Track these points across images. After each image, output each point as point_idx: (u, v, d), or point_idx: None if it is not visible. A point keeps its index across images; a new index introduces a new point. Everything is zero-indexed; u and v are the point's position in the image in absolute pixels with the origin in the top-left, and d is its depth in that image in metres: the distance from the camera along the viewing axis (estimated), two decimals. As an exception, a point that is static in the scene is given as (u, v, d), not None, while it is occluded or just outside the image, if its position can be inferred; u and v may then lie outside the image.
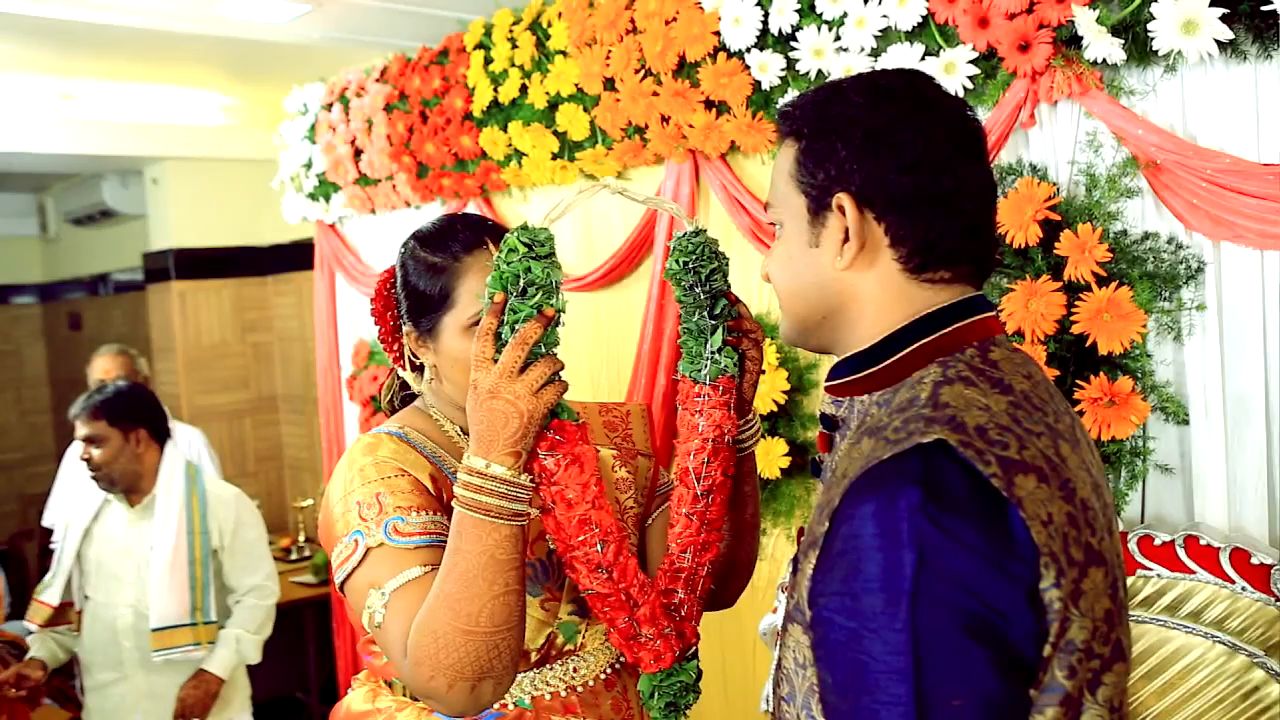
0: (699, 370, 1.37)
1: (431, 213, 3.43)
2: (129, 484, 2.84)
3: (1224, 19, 1.56)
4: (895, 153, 0.99)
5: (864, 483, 0.90)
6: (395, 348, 1.50)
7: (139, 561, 2.82)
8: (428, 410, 1.47)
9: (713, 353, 1.35)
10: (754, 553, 1.52)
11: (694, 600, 1.37)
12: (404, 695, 1.42)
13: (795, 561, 1.03)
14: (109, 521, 2.88)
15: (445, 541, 1.27)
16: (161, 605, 2.75)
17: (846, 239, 1.01)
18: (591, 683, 1.43)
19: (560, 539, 1.24)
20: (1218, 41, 1.58)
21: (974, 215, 1.03)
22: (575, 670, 1.42)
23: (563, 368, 1.21)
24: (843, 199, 1.01)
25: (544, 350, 1.20)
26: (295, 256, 5.10)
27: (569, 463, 1.21)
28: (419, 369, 1.49)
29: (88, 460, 2.79)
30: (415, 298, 1.41)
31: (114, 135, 4.97)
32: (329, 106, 3.65)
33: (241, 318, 5.50)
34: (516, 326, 1.18)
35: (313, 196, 3.88)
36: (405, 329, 1.45)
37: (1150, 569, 1.72)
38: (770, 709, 1.19)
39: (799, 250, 1.06)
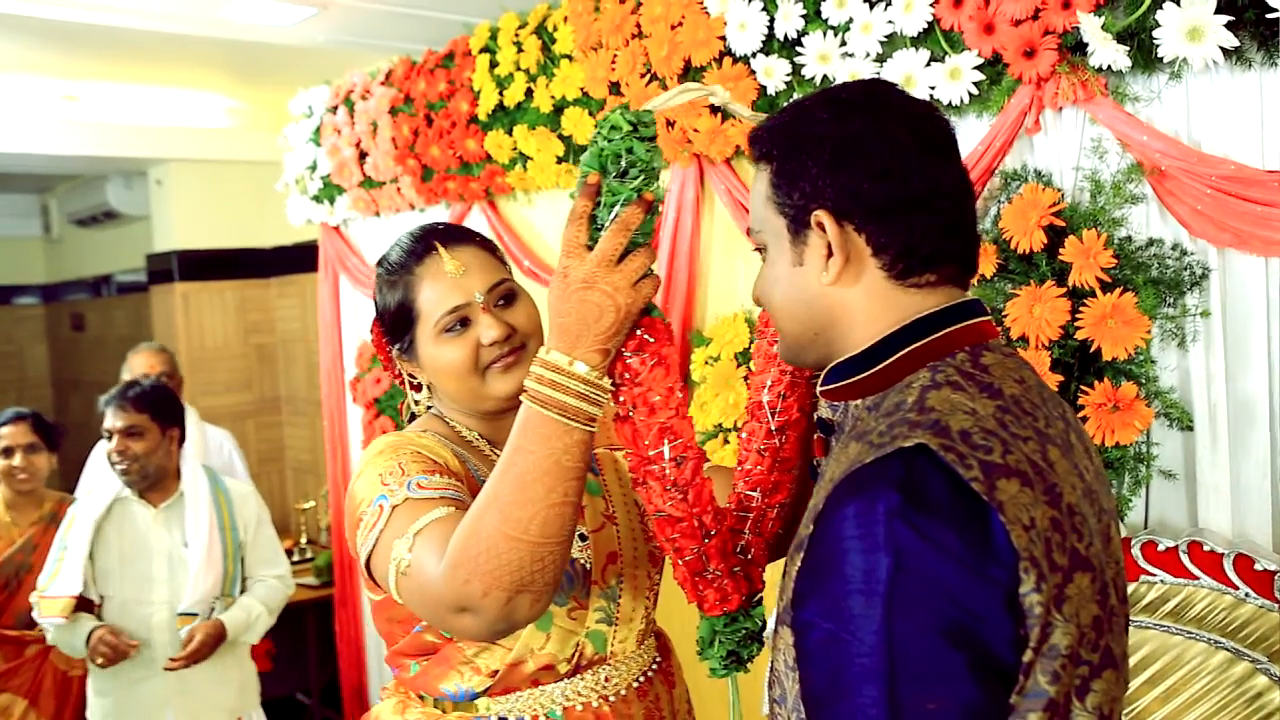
0: None
1: (436, 215, 3.43)
2: (156, 480, 2.87)
3: (1229, 26, 1.56)
4: (864, 163, 1.00)
5: (846, 486, 0.91)
6: (395, 372, 1.50)
7: (172, 560, 2.86)
8: (444, 418, 1.47)
9: None
10: None
11: (761, 544, 1.29)
12: (434, 707, 1.40)
13: (784, 567, 1.03)
14: (126, 521, 2.88)
15: (468, 499, 1.24)
16: (196, 595, 2.82)
17: (830, 254, 1.02)
18: (624, 691, 1.41)
19: (636, 450, 1.15)
20: (1223, 49, 1.58)
21: (951, 215, 1.03)
22: (607, 680, 1.40)
23: (655, 260, 1.13)
24: (821, 215, 1.01)
25: (641, 240, 1.10)
26: (298, 258, 5.11)
27: (655, 364, 1.12)
28: (419, 388, 1.48)
29: (123, 451, 2.80)
30: (388, 320, 1.42)
31: (118, 137, 4.98)
32: (334, 109, 3.66)
33: (244, 319, 5.51)
34: (614, 210, 1.08)
35: (317, 199, 3.89)
36: (394, 352, 1.46)
37: (1154, 575, 1.73)
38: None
39: (785, 270, 1.06)
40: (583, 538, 1.41)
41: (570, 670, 1.38)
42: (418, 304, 1.38)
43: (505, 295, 1.41)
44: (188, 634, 2.77)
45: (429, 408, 1.50)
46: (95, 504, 2.88)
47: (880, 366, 1.02)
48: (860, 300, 1.03)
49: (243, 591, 2.96)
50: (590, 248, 1.09)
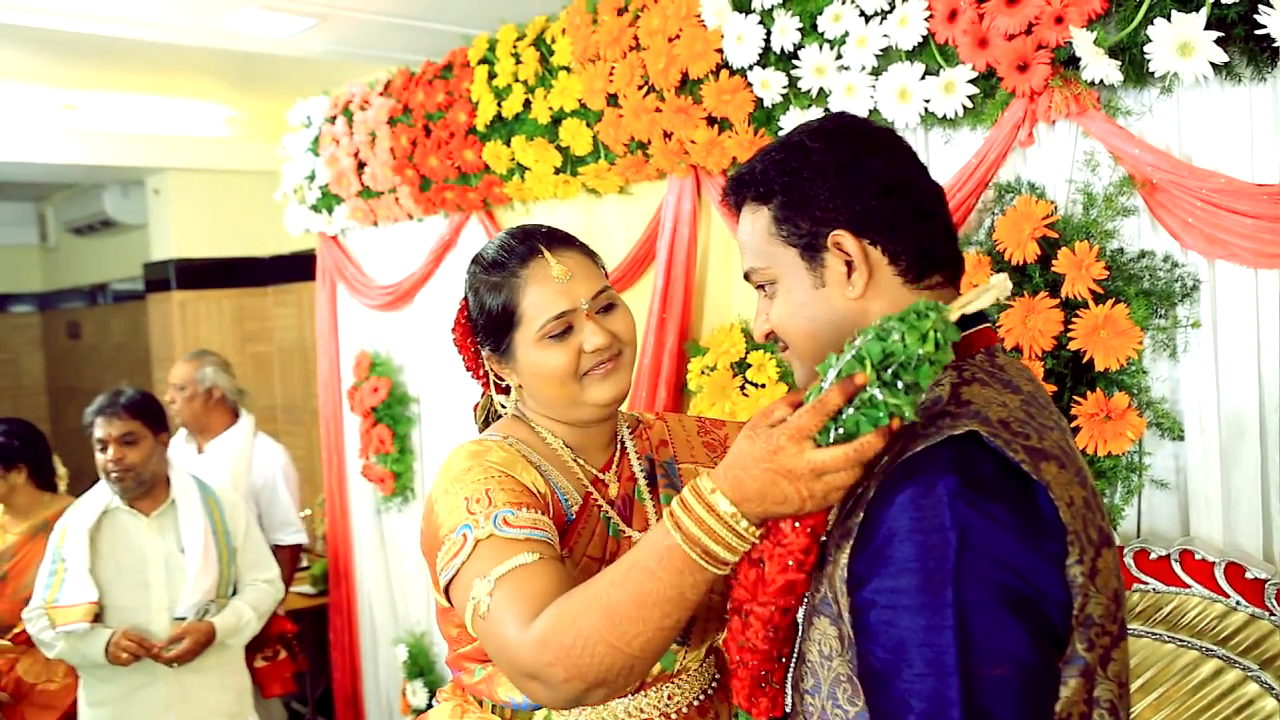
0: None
1: (434, 226, 3.45)
2: (150, 487, 2.88)
3: (1219, 42, 1.58)
4: (870, 180, 1.08)
5: (899, 473, 0.97)
6: (481, 373, 1.50)
7: (169, 566, 2.87)
8: (528, 421, 1.46)
9: None
10: None
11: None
12: (492, 713, 1.40)
13: (819, 559, 1.08)
14: (119, 531, 2.88)
15: (553, 541, 1.26)
16: (194, 599, 2.83)
17: (850, 270, 1.08)
18: (685, 709, 1.42)
19: (754, 594, 1.12)
20: (1212, 64, 1.60)
21: (945, 218, 1.13)
22: (670, 697, 1.41)
23: (857, 478, 1.03)
24: (839, 235, 1.08)
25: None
26: (295, 267, 5.12)
27: (806, 533, 1.07)
28: (507, 389, 1.48)
29: (119, 461, 2.81)
30: (485, 320, 1.42)
31: (116, 146, 5.00)
32: (332, 119, 3.67)
33: (241, 328, 5.51)
34: (861, 423, 0.97)
35: (315, 208, 3.90)
36: (484, 354, 1.45)
37: (1146, 583, 1.74)
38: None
39: (807, 295, 1.11)
40: None
41: (637, 687, 1.39)
42: (520, 308, 1.37)
43: (607, 303, 1.42)
44: (177, 633, 2.78)
45: (504, 406, 1.49)
46: (85, 515, 2.87)
47: None
48: (882, 308, 1.09)
49: (234, 594, 2.98)
50: (819, 444, 0.99)
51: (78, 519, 2.87)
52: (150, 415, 2.89)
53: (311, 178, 3.86)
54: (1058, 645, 0.93)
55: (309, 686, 4.48)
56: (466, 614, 1.22)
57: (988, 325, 1.12)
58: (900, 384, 0.95)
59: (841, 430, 0.98)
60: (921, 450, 0.96)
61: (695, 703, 1.44)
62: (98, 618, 2.77)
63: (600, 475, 1.46)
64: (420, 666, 3.61)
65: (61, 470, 3.44)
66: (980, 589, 0.90)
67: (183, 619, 2.82)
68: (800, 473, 0.99)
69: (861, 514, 0.99)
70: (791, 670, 1.14)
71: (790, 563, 1.08)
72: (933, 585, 0.91)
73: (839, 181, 1.08)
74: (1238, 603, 1.66)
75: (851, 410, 0.97)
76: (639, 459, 1.51)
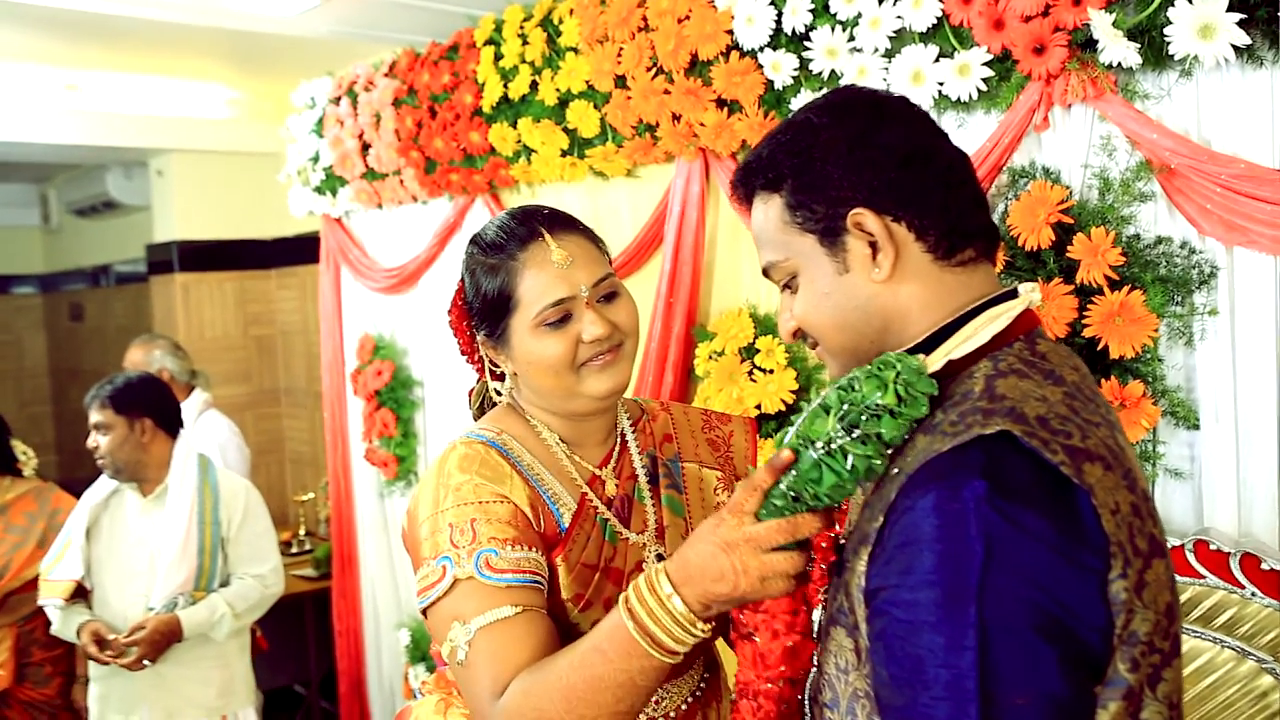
0: None
1: (439, 208, 3.43)
2: (134, 473, 2.86)
3: (1241, 24, 1.56)
4: (885, 153, 1.00)
5: (923, 475, 0.89)
6: (476, 359, 1.45)
7: (152, 552, 2.84)
8: (524, 414, 1.42)
9: None
10: None
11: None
12: None
13: (837, 565, 1.02)
14: (120, 512, 2.89)
15: (539, 582, 1.23)
16: (167, 589, 2.78)
17: (875, 251, 1.01)
18: (673, 713, 1.39)
19: (758, 671, 1.11)
20: (1234, 46, 1.57)
21: (973, 185, 1.05)
22: (657, 702, 1.38)
23: (804, 564, 1.04)
24: (859, 215, 1.00)
25: (801, 543, 1.02)
26: (299, 250, 5.10)
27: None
28: (502, 376, 1.44)
29: (95, 448, 2.83)
30: (481, 304, 1.37)
31: (119, 126, 4.97)
32: (336, 100, 3.65)
33: (244, 310, 5.50)
34: (824, 472, 0.95)
35: (319, 190, 3.88)
36: (479, 338, 1.41)
37: (1159, 573, 1.72)
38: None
39: (830, 283, 1.04)
40: (660, 558, 1.39)
41: None
42: (517, 292, 1.32)
43: (608, 291, 1.36)
44: (137, 624, 2.71)
45: (500, 393, 1.45)
46: (97, 493, 2.90)
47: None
48: (913, 291, 1.02)
49: (224, 587, 2.91)
50: (759, 516, 1.02)
51: (89, 496, 2.90)
52: (125, 404, 2.83)
53: (315, 159, 3.83)
54: (1094, 672, 0.85)
55: (312, 669, 4.49)
56: (444, 650, 1.21)
57: (1028, 308, 1.03)
58: (856, 433, 0.94)
59: (781, 508, 0.99)
60: (948, 450, 0.88)
61: (684, 706, 1.40)
62: (83, 596, 2.80)
63: (597, 472, 1.42)
64: (423, 651, 3.61)
65: (22, 455, 3.37)
66: (1007, 608, 0.82)
67: (154, 609, 2.77)
68: (736, 543, 1.01)
69: (881, 518, 0.91)
70: (810, 682, 1.08)
71: (779, 626, 1.07)
72: (954, 601, 0.83)
73: (852, 157, 1.00)
74: (1253, 593, 1.64)
75: (791, 484, 0.98)
76: (640, 455, 1.46)
